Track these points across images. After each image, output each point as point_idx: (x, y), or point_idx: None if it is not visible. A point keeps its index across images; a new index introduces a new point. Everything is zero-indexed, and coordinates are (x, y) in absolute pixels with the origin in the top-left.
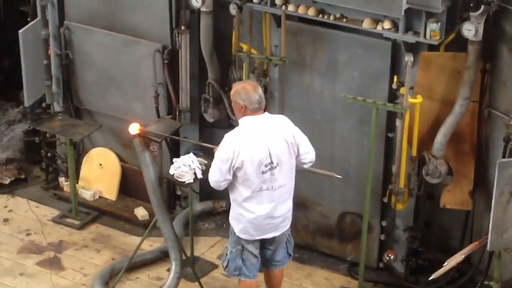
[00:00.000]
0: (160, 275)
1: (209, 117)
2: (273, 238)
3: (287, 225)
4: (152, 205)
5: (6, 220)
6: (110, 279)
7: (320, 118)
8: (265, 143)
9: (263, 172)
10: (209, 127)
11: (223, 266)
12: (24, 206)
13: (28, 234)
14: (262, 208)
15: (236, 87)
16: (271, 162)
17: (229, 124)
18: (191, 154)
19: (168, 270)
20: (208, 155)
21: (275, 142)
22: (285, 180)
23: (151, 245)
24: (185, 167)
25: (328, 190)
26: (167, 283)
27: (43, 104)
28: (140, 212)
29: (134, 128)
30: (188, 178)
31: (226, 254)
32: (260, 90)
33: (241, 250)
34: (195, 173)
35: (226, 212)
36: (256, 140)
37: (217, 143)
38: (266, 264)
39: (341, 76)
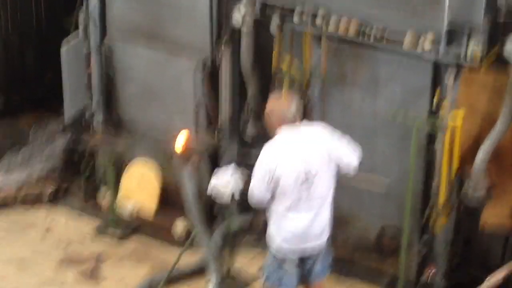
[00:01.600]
0: None
1: (248, 134)
2: (312, 249)
3: (325, 236)
4: (192, 218)
5: (48, 230)
6: None
7: (360, 133)
8: (302, 155)
9: (301, 183)
10: (248, 143)
11: (263, 279)
12: (65, 216)
13: (69, 245)
14: (301, 218)
15: (271, 105)
16: (310, 172)
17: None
18: (233, 165)
19: (208, 282)
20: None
21: (312, 153)
22: (323, 192)
23: (190, 258)
24: (222, 188)
25: (368, 204)
26: None
27: (84, 118)
28: (180, 225)
29: (182, 137)
30: (225, 200)
31: (266, 266)
32: (294, 104)
33: (280, 262)
34: (233, 194)
35: (266, 224)
36: (293, 153)
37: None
38: (306, 276)
39: (382, 92)
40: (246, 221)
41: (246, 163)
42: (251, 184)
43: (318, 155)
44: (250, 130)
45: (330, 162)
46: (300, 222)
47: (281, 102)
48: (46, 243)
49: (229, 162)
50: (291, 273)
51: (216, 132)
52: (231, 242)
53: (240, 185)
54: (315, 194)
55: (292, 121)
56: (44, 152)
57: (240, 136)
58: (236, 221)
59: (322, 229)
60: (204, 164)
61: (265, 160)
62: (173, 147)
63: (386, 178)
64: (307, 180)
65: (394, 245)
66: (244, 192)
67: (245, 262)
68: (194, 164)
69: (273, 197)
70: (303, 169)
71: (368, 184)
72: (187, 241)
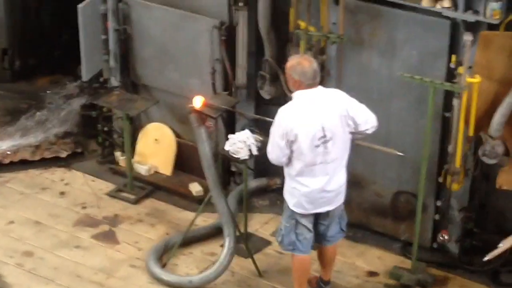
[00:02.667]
0: (214, 250)
1: (265, 93)
2: (327, 213)
3: (340, 199)
4: (207, 181)
5: (62, 193)
6: (164, 254)
7: (376, 96)
8: (319, 116)
9: (316, 146)
10: (265, 104)
11: (277, 241)
12: (80, 179)
13: (83, 208)
14: (316, 182)
15: (292, 62)
16: (324, 136)
17: (285, 101)
18: (247, 130)
19: (222, 246)
20: (264, 131)
21: (328, 115)
22: (338, 154)
23: (205, 220)
24: (240, 144)
25: (383, 168)
26: (220, 259)
27: (101, 79)
28: (195, 188)
29: (198, 101)
30: (243, 155)
31: (281, 229)
32: (315, 65)
33: (295, 225)
34: (250, 150)
35: (281, 189)
36: (310, 114)
37: (272, 120)
38: (320, 240)
39: (399, 54)
40: (261, 184)
41: (263, 122)
42: (268, 144)
43: (334, 118)
44: (267, 89)
45: (346, 125)
46: (316, 185)
47: (302, 63)
48: (61, 205)
49: (246, 122)
50: (306, 236)
51: (233, 93)
52: (245, 206)
53: (256, 143)
54: (330, 156)
55: (311, 83)
56: (61, 114)
57: (257, 95)
58: (251, 183)
59: (337, 192)
60: (220, 125)
61: (282, 122)
62: (190, 108)
63: (402, 142)
64: (323, 143)
65: (409, 210)
66: (260, 150)
67: (259, 227)
68: (210, 125)
69: (289, 159)
70: (319, 132)
71: (383, 148)
72: (202, 203)
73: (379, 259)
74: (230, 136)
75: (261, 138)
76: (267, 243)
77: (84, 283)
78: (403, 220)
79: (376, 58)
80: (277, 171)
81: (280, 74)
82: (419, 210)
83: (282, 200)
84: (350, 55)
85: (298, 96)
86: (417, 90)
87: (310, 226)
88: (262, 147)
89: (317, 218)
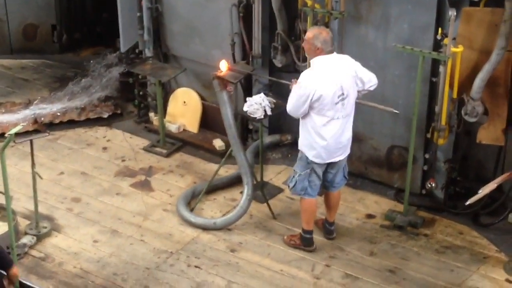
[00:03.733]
0: (234, 197)
1: (278, 62)
2: (336, 162)
3: (348, 150)
4: (228, 138)
5: (105, 148)
6: (192, 200)
7: (373, 64)
8: (337, 78)
9: (336, 103)
10: (277, 71)
11: (289, 186)
12: (120, 136)
13: (123, 161)
14: (334, 135)
15: (314, 31)
16: (342, 94)
17: (294, 68)
18: (262, 94)
19: (241, 193)
20: (276, 95)
21: (344, 76)
22: (351, 110)
23: (226, 171)
24: (256, 105)
25: (379, 126)
26: (240, 204)
27: (136, 50)
28: (218, 143)
29: (223, 64)
30: (259, 115)
31: (294, 176)
32: (331, 34)
33: (309, 173)
34: (265, 110)
35: (292, 144)
36: (331, 76)
37: (284, 84)
38: (327, 186)
39: (392, 28)
40: (275, 140)
41: (276, 86)
42: (290, 99)
43: (349, 78)
44: (279, 58)
45: (355, 84)
46: (334, 137)
47: (322, 32)
48: (104, 158)
49: (261, 87)
50: (316, 182)
51: (250, 62)
52: (261, 158)
53: (270, 104)
54: (346, 112)
55: (330, 50)
56: (102, 81)
57: (270, 64)
58: (266, 139)
59: (347, 142)
60: (239, 89)
61: (306, 83)
62: (213, 75)
63: (396, 103)
64: (341, 100)
65: (401, 162)
66: (273, 111)
67: (273, 176)
68: (231, 89)
69: (311, 115)
70: (339, 90)
71: (382, 106)
72: (224, 156)
73: (376, 204)
74: (247, 98)
75: (274, 101)
76: (280, 190)
77: (124, 225)
78: (397, 170)
79: (372, 31)
80: (288, 129)
81: (290, 45)
82: (410, 161)
83: (293, 153)
84: (350, 29)
85: (319, 62)
86: (408, 59)
87: (321, 174)
88: (275, 108)
89: (327, 167)
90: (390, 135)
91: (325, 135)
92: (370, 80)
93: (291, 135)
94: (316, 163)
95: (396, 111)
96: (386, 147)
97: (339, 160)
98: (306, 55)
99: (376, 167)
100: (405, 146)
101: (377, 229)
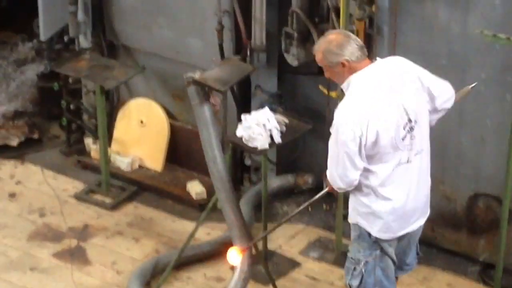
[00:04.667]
0: (221, 274)
1: (292, 58)
2: (409, 233)
3: (427, 210)
4: (212, 179)
5: (12, 195)
6: (152, 279)
7: (446, 63)
8: (395, 96)
9: (403, 138)
10: (291, 73)
11: (351, 286)
12: (38, 176)
13: (42, 215)
14: (406, 189)
15: (321, 47)
16: (409, 121)
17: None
18: (267, 109)
19: (232, 268)
20: (290, 109)
21: (404, 92)
22: (424, 143)
23: (208, 233)
24: (258, 128)
25: (455, 162)
26: (231, 286)
27: (65, 38)
28: (195, 188)
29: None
30: (262, 143)
31: (355, 268)
32: (352, 35)
33: (380, 256)
34: (271, 136)
35: (312, 190)
36: (383, 98)
37: (302, 95)
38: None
39: (476, 5)
40: (287, 183)
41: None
42: (331, 162)
43: (411, 93)
44: (295, 52)
45: (424, 100)
46: (404, 192)
47: (332, 38)
48: (11, 211)
49: (265, 98)
50: (391, 268)
51: (248, 57)
52: (265, 213)
53: (280, 126)
54: (417, 146)
55: (360, 55)
56: (10, 87)
57: (281, 61)
58: (273, 182)
59: (426, 199)
60: (230, 101)
61: (349, 123)
62: (191, 76)
63: (480, 125)
64: (409, 131)
65: (490, 219)
66: (285, 137)
67: (283, 242)
68: (217, 102)
69: (365, 169)
70: (402, 116)
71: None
72: (205, 209)
73: (449, 287)
74: (244, 117)
75: (286, 121)
76: (295, 264)
77: None
78: (482, 234)
79: (444, 10)
80: (308, 166)
81: (313, 31)
82: (505, 220)
83: (314, 205)
84: (408, 5)
85: (355, 81)
86: (501, 54)
87: (394, 255)
88: (288, 133)
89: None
90: (472, 178)
91: (393, 194)
92: (443, 91)
93: (312, 176)
94: (385, 241)
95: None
96: (465, 197)
97: (415, 230)
98: (338, 83)
99: (450, 228)
100: (496, 195)
101: None
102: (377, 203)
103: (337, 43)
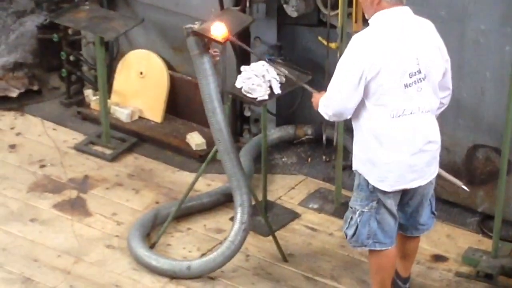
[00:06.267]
0: (221, 225)
1: (292, 9)
2: (416, 189)
3: (435, 168)
4: (211, 130)
5: (13, 146)
6: (152, 230)
7: (444, 14)
8: (410, 44)
9: (406, 86)
10: (291, 24)
11: (346, 235)
12: (38, 127)
13: (42, 166)
14: (407, 142)
15: None
16: (419, 72)
17: (318, 20)
18: (266, 60)
19: (232, 219)
20: (290, 61)
21: (422, 44)
22: (433, 103)
23: (209, 184)
24: (257, 79)
25: (454, 114)
26: (230, 237)
27: None
28: (195, 139)
29: (218, 29)
30: (261, 94)
31: (351, 217)
32: None
33: (375, 208)
34: (270, 87)
35: (313, 141)
36: (398, 40)
37: (302, 46)
38: (404, 227)
39: None
40: (286, 134)
41: (289, 49)
42: (329, 87)
43: (432, 50)
44: (295, 3)
45: (441, 66)
46: (405, 145)
47: None
48: (11, 163)
49: (264, 49)
50: (389, 222)
51: (247, 8)
52: (264, 164)
53: (279, 77)
54: (425, 103)
55: (395, 2)
56: (9, 38)
57: (280, 12)
58: (273, 133)
59: (432, 156)
60: (230, 52)
61: (357, 54)
62: (190, 27)
63: (480, 78)
64: (416, 82)
65: (489, 171)
66: (284, 88)
67: (283, 193)
68: (216, 52)
69: (366, 109)
70: (412, 64)
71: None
72: (205, 160)
73: (449, 238)
74: (243, 68)
75: (286, 72)
76: (295, 215)
77: (43, 270)
78: (481, 185)
79: None
80: (308, 117)
81: None
82: (503, 170)
83: (314, 156)
84: None
85: (379, 18)
86: (502, 5)
87: (395, 208)
88: (287, 83)
89: (402, 197)
90: (471, 129)
91: (391, 143)
92: (447, 81)
93: (312, 128)
94: (382, 192)
95: (465, 187)
96: (465, 148)
97: (421, 186)
98: (365, 14)
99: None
100: (496, 146)
101: (451, 280)
102: (375, 150)
103: None
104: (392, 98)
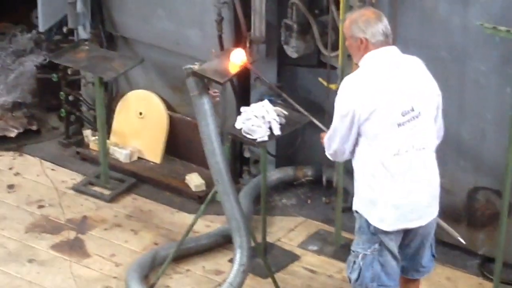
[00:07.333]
0: (220, 267)
1: (292, 50)
2: (417, 229)
3: (435, 209)
4: (211, 171)
5: (11, 186)
6: (151, 271)
7: (446, 55)
8: (401, 82)
9: (399, 125)
10: (291, 65)
11: (350, 279)
12: (36, 167)
13: (40, 207)
14: (403, 183)
15: (352, 16)
16: (412, 109)
17: (318, 61)
18: (266, 101)
19: (231, 261)
20: (290, 102)
21: (414, 81)
22: (428, 141)
23: (208, 226)
24: (257, 120)
25: (455, 155)
26: (229, 279)
27: (64, 29)
28: (194, 180)
29: (237, 55)
30: (261, 135)
31: (354, 262)
32: (385, 19)
33: (379, 250)
34: (270, 128)
35: (313, 183)
36: (388, 80)
37: (302, 87)
38: (406, 270)
39: None
40: (286, 176)
41: (289, 90)
42: (329, 131)
43: (425, 88)
44: (295, 44)
45: (433, 101)
46: (405, 186)
47: (366, 14)
48: (10, 203)
49: (264, 90)
50: (392, 264)
51: (247, 49)
52: (264, 206)
53: (279, 118)
54: (420, 141)
55: (382, 41)
56: (8, 78)
57: (280, 53)
58: (272, 174)
59: (431, 195)
60: (229, 93)
61: (348, 96)
62: (190, 67)
63: (480, 119)
64: (410, 119)
65: (490, 213)
66: (284, 129)
67: (282, 235)
68: (216, 93)
69: (362, 150)
70: (404, 103)
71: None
72: (204, 201)
73: (449, 281)
74: (243, 109)
75: (285, 112)
76: (294, 257)
77: None
78: (482, 227)
79: (444, 2)
80: (308, 158)
81: (313, 24)
82: (504, 213)
83: (314, 197)
84: None
85: (368, 60)
86: (502, 47)
87: (396, 250)
88: (287, 125)
89: (403, 238)
90: (472, 171)
91: (389, 182)
92: (440, 127)
93: (312, 169)
94: (384, 232)
95: (462, 240)
96: (465, 190)
97: (421, 226)
98: (353, 57)
99: (450, 222)
100: (496, 188)
101: None
102: (374, 188)
103: (365, 19)
104: (386, 137)
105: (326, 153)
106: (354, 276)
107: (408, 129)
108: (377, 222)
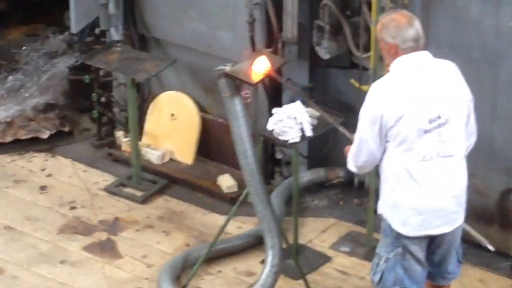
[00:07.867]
0: (251, 268)
1: (324, 51)
2: (443, 236)
3: (461, 215)
4: (243, 173)
5: (43, 188)
6: (183, 272)
7: (478, 56)
8: (429, 89)
9: (426, 131)
10: (323, 66)
11: (373, 281)
12: (68, 169)
13: (72, 208)
14: (429, 189)
15: (384, 20)
16: (439, 117)
17: (350, 62)
18: (298, 102)
19: (263, 262)
20: (322, 103)
21: (444, 90)
22: (457, 147)
23: (239, 227)
24: (289, 121)
25: (487, 156)
26: (261, 280)
27: (96, 31)
28: (226, 182)
29: (261, 64)
30: (292, 136)
31: (378, 264)
32: (417, 23)
33: (402, 254)
34: (302, 129)
35: (344, 184)
36: (416, 86)
37: (333, 88)
38: (432, 276)
39: None
40: (318, 177)
41: (321, 91)
42: (355, 138)
43: (453, 95)
44: (327, 45)
45: (465, 110)
46: (430, 192)
47: (397, 19)
48: (42, 204)
49: (297, 91)
50: (415, 269)
51: (279, 50)
52: (296, 207)
53: (311, 119)
54: (446, 148)
55: (412, 46)
56: (41, 80)
57: (312, 54)
58: (304, 176)
59: (457, 202)
60: (261, 94)
61: (376, 102)
62: (222, 69)
63: None
64: (437, 126)
65: None
66: (316, 130)
67: (314, 236)
68: (248, 95)
69: (387, 155)
70: (431, 110)
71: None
72: (235, 203)
73: (481, 283)
74: (275, 110)
75: (317, 113)
76: (326, 259)
77: None
78: None
79: (476, 2)
80: (340, 160)
81: (345, 25)
82: None
83: (345, 199)
84: None
85: (397, 65)
86: None
87: (422, 255)
88: (319, 126)
89: (429, 245)
90: (505, 172)
91: (414, 187)
92: (472, 133)
93: (344, 170)
94: (407, 237)
95: (491, 247)
96: (498, 191)
97: (447, 233)
98: (384, 59)
99: (482, 223)
100: None
101: None
102: (398, 193)
103: (395, 25)
104: (412, 144)
105: (351, 167)
106: (376, 278)
107: (435, 136)
108: (399, 226)
